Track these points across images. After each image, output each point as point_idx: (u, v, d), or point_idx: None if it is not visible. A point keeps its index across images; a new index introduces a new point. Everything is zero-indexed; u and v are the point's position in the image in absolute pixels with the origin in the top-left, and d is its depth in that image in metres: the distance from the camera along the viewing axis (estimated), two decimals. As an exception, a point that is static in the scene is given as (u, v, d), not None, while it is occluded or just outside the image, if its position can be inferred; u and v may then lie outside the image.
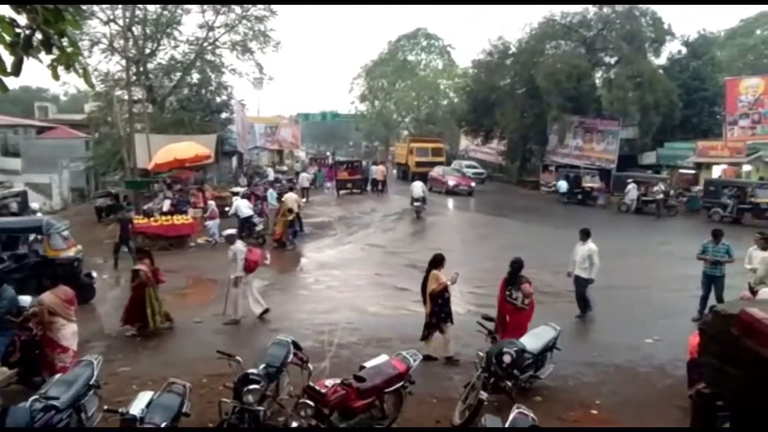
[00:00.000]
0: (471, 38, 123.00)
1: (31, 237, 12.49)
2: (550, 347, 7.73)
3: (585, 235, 10.86)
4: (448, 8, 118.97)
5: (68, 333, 7.59)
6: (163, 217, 18.42)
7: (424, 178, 35.86)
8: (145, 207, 20.21)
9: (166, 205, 19.77)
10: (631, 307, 12.26)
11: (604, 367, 8.67)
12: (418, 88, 63.51)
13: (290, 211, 18.18)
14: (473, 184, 33.98)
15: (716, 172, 32.39)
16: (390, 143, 75.37)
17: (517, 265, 8.60)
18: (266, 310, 10.74)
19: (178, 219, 18.40)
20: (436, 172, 35.36)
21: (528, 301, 8.36)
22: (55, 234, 11.59)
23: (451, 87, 61.74)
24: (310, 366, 6.42)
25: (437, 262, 8.85)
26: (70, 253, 11.77)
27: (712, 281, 10.64)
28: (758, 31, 53.02)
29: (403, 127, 71.47)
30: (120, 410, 5.16)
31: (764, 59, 48.92)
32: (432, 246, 18.48)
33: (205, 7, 31.01)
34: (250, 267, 10.50)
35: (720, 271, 10.60)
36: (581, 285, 10.84)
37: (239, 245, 10.63)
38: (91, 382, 6.05)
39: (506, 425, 5.12)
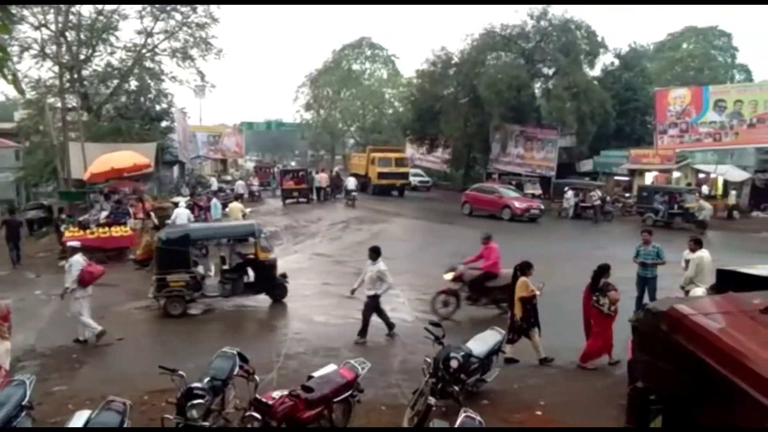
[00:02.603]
0: (414, 48, 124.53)
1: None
2: (495, 351, 7.87)
3: (375, 254, 9.98)
4: (392, 18, 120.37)
5: (1, 351, 7.18)
6: (101, 229, 17.72)
7: (386, 190, 36.13)
8: (81, 219, 19.39)
9: (103, 217, 19.04)
10: (572, 309, 12.60)
11: (547, 369, 8.90)
12: (363, 97, 63.82)
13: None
14: (542, 206, 27.92)
15: (648, 178, 34.10)
16: (336, 152, 75.37)
17: (601, 271, 8.82)
18: (102, 332, 9.79)
19: (116, 231, 17.74)
20: (483, 189, 29.18)
21: (614, 307, 8.54)
22: (262, 238, 12.53)
23: (396, 96, 62.37)
24: (257, 378, 6.29)
25: (524, 268, 9.04)
26: (272, 256, 12.72)
27: (645, 282, 11.14)
28: (684, 45, 56.20)
29: (349, 136, 71.61)
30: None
31: (690, 71, 51.90)
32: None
33: (143, 12, 30.22)
34: (85, 279, 9.55)
35: (651, 272, 11.11)
36: (371, 304, 10.00)
37: (78, 257, 9.75)
38: (24, 403, 5.73)
39: (454, 429, 5.17)
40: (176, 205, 21.76)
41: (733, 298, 2.55)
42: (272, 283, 12.36)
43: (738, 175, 31.11)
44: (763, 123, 29.59)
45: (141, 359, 8.81)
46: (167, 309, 11.47)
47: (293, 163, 57.73)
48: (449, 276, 11.43)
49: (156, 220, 18.61)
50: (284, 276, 12.79)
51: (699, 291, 7.43)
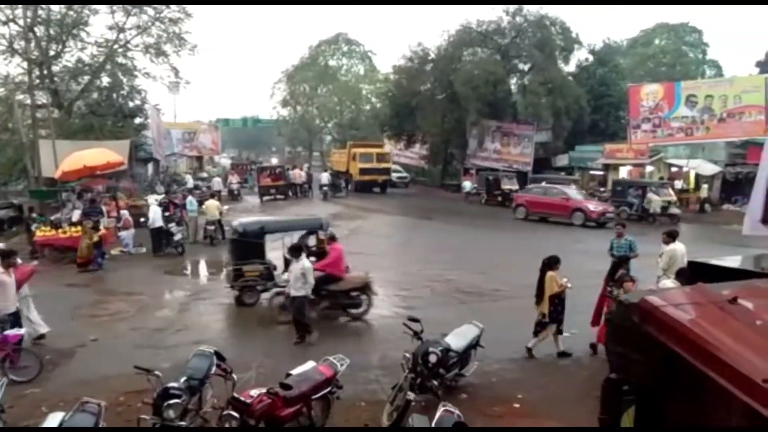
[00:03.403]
0: (391, 44, 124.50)
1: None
2: (473, 345, 7.93)
3: (297, 251, 9.74)
4: (368, 14, 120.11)
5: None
6: (73, 228, 17.37)
7: (368, 186, 35.88)
8: (53, 218, 19.01)
9: (76, 216, 18.66)
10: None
11: (525, 362, 9.00)
12: (340, 93, 63.64)
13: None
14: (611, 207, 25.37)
15: (623, 173, 34.61)
16: (313, 148, 75.04)
17: (619, 262, 8.85)
18: (42, 336, 9.58)
19: (89, 230, 17.40)
20: (545, 190, 26.46)
21: None
22: (330, 230, 12.80)
23: (373, 92, 62.33)
24: (234, 376, 6.25)
25: (552, 263, 9.02)
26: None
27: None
28: (657, 41, 57.12)
29: (326, 133, 71.35)
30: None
31: (662, 67, 52.79)
32: (358, 250, 18.57)
33: (115, 7, 29.63)
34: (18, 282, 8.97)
35: (625, 265, 11.26)
36: (299, 305, 9.65)
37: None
38: (-6, 407, 5.62)
39: (433, 424, 5.20)
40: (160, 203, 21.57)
41: (702, 289, 2.60)
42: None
43: (709, 168, 31.74)
44: (732, 118, 30.21)
45: (116, 360, 8.67)
46: (242, 298, 11.97)
47: (275, 160, 57.14)
48: (286, 276, 10.98)
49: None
50: (347, 268, 12.93)
51: (669, 283, 7.57)
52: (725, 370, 2.00)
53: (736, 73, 38.37)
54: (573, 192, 25.78)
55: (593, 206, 24.31)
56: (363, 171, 36.33)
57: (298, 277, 9.39)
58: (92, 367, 8.65)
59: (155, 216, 17.65)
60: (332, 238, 11.71)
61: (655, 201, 25.22)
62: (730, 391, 1.98)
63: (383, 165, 37.52)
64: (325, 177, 34.63)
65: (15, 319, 8.52)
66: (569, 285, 9.04)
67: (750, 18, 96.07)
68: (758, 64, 44.73)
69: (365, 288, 11.02)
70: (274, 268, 12.55)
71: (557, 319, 9.03)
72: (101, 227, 16.83)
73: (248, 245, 11.98)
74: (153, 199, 19.75)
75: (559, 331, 9.13)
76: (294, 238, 12.95)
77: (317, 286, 10.41)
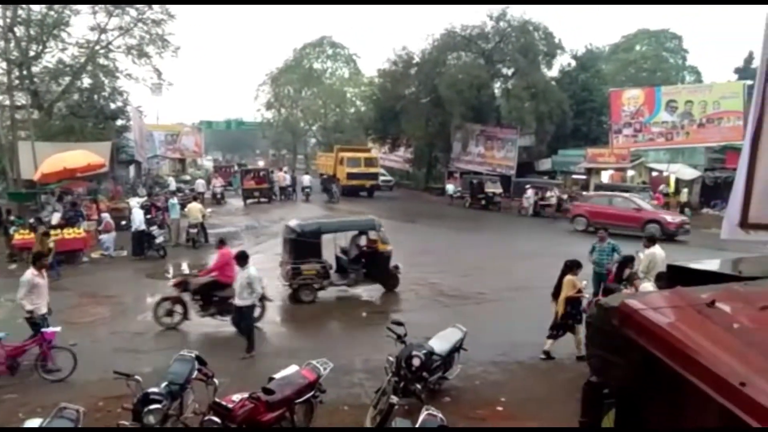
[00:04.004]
0: (376, 48, 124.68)
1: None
2: (457, 348, 7.95)
3: (243, 259, 9.30)
4: (353, 17, 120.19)
5: None
6: (52, 231, 17.12)
7: (356, 191, 35.61)
8: (31, 220, 18.71)
9: (56, 218, 18.40)
10: (532, 306, 12.86)
11: (508, 365, 9.05)
12: (324, 96, 63.58)
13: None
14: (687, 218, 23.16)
15: (605, 177, 34.98)
16: (298, 151, 74.81)
17: (625, 261, 8.89)
18: None
19: (69, 233, 17.17)
20: (609, 199, 23.48)
21: None
22: (382, 231, 13.29)
23: (358, 95, 62.35)
24: (216, 381, 6.19)
25: (572, 267, 9.10)
26: (390, 248, 13.34)
27: (601, 279, 11.41)
28: (638, 47, 57.86)
29: (311, 136, 71.19)
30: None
31: (643, 72, 53.49)
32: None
33: (97, 8, 29.31)
34: None
35: (606, 269, 11.38)
36: (244, 315, 9.38)
37: None
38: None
39: (416, 427, 5.20)
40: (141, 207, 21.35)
41: (681, 292, 2.63)
42: (388, 273, 13.25)
43: (689, 173, 32.19)
44: (711, 123, 30.71)
45: (95, 364, 8.53)
46: (299, 296, 12.40)
47: (261, 163, 56.76)
48: (171, 282, 10.87)
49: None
50: (396, 267, 13.47)
51: (649, 286, 7.66)
52: (703, 373, 2.02)
53: (715, 79, 39.09)
54: (643, 201, 23.34)
55: (671, 217, 21.93)
56: (350, 175, 35.76)
57: (244, 286, 9.11)
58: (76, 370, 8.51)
59: (137, 219, 17.47)
60: (221, 242, 11.56)
61: None
62: (707, 394, 2.00)
63: (371, 170, 36.89)
64: (306, 179, 35.13)
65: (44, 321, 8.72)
66: (586, 295, 9.16)
67: (728, 25, 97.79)
68: (737, 70, 45.56)
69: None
70: (330, 267, 12.94)
71: (579, 320, 9.06)
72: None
73: (306, 245, 12.45)
74: (135, 202, 19.51)
75: (555, 336, 9.15)
76: (347, 237, 13.71)
77: (206, 292, 10.37)
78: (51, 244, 15.01)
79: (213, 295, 10.52)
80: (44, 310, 8.70)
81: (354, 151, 38.80)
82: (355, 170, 35.97)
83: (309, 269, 12.42)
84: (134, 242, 17.49)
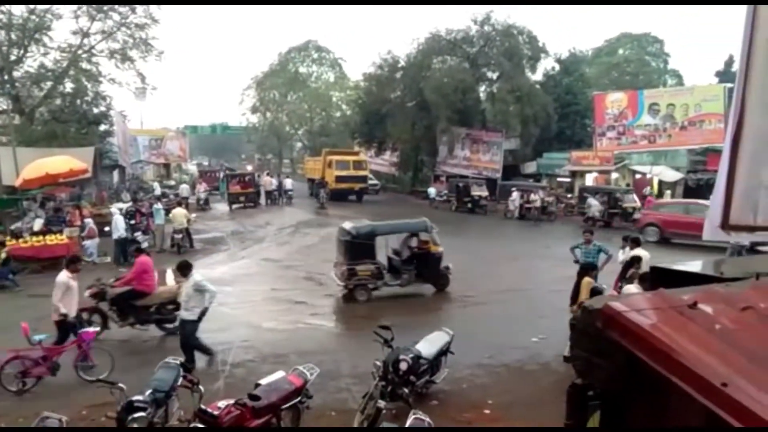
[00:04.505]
0: (361, 52, 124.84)
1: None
2: (444, 352, 7.95)
3: (185, 269, 8.76)
4: (338, 21, 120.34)
5: None
6: (35, 238, 16.90)
7: (344, 194, 35.35)
8: (13, 227, 18.45)
9: (38, 225, 18.16)
10: (518, 308, 12.96)
11: (495, 368, 9.06)
12: (310, 100, 63.52)
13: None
14: None
15: (589, 179, 35.31)
16: (283, 155, 74.64)
17: (631, 261, 8.96)
18: None
19: (51, 239, 16.95)
20: (688, 208, 21.19)
21: None
22: (434, 232, 13.66)
23: (344, 99, 62.38)
24: (201, 388, 6.12)
25: (587, 270, 9.19)
26: (441, 249, 13.72)
27: (585, 280, 11.46)
28: (620, 51, 58.56)
29: (296, 140, 71.06)
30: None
31: (626, 76, 54.13)
32: (330, 258, 18.46)
33: (79, 12, 29.08)
34: None
35: (636, 265, 11.40)
36: (187, 330, 8.73)
37: None
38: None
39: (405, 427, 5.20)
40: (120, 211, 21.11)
41: (663, 294, 2.66)
42: (439, 274, 13.60)
43: (672, 175, 32.58)
44: (693, 126, 31.14)
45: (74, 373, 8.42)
46: (354, 295, 12.90)
47: (250, 167, 56.42)
48: (87, 293, 10.43)
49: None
50: (447, 268, 13.79)
51: (633, 288, 7.73)
52: (685, 374, 2.04)
53: (696, 83, 39.59)
54: None
55: None
56: (339, 179, 35.39)
57: (191, 295, 8.59)
58: (53, 380, 8.39)
59: (120, 226, 17.23)
60: (138, 251, 11.37)
61: (594, 206, 26.19)
62: (690, 395, 2.02)
63: (360, 172, 36.65)
64: (288, 183, 35.89)
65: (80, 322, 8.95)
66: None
67: (709, 29, 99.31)
68: (717, 73, 46.21)
69: (176, 302, 10.08)
70: (385, 268, 13.41)
71: None
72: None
73: (360, 246, 12.88)
74: (116, 209, 19.25)
75: None
76: (400, 240, 14.10)
77: (123, 301, 10.11)
78: (3, 254, 14.85)
79: (131, 305, 10.17)
80: (75, 312, 8.87)
81: (342, 154, 38.60)
82: (343, 173, 35.70)
83: (364, 270, 12.89)
84: (117, 249, 17.28)
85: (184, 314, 8.76)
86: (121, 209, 21.23)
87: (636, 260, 9.43)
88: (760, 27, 4.26)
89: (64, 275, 8.67)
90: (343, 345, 10.22)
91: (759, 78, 4.35)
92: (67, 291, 8.61)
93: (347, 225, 13.60)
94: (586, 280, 9.08)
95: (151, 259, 10.62)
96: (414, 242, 13.91)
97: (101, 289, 10.37)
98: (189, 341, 8.72)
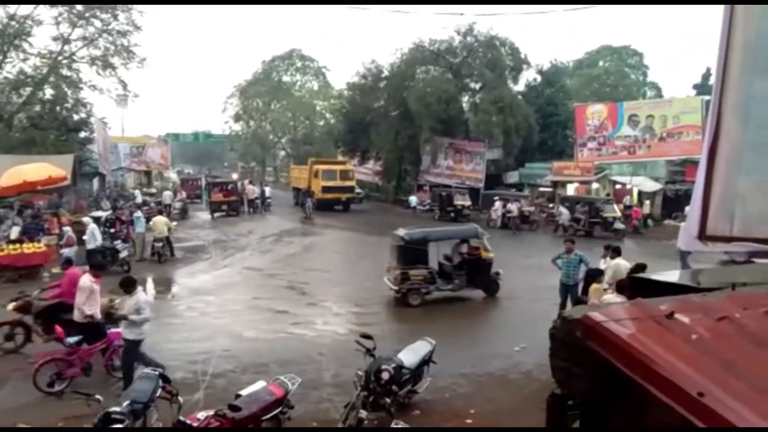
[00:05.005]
0: (345, 61, 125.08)
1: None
2: (426, 361, 7.95)
3: (129, 285, 8.34)
4: (322, 30, 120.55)
5: None
6: (11, 246, 16.59)
7: (330, 205, 34.57)
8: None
9: (15, 233, 17.83)
10: (501, 317, 13.03)
11: (477, 377, 9.08)
12: (293, 109, 63.46)
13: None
14: None
15: (570, 189, 35.67)
16: (267, 164, 74.35)
17: (637, 268, 9.03)
18: None
19: (28, 247, 16.65)
20: None
21: None
22: (484, 238, 14.11)
23: (327, 108, 62.41)
24: (180, 399, 6.05)
25: (594, 276, 9.32)
26: (492, 255, 14.12)
27: (567, 290, 11.57)
28: (601, 63, 59.44)
29: (280, 148, 70.87)
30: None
31: (606, 87, 54.94)
32: (313, 267, 18.43)
33: (60, 18, 28.76)
34: None
35: (573, 280, 11.56)
36: (129, 351, 8.29)
37: None
38: None
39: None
40: (97, 219, 20.77)
41: (642, 304, 2.68)
42: (489, 279, 13.99)
43: (651, 185, 33.05)
44: (672, 137, 31.65)
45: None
46: (408, 299, 13.17)
47: (235, 175, 55.90)
48: (11, 306, 10.16)
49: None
50: (497, 273, 14.16)
51: (613, 297, 7.80)
52: (663, 384, 2.06)
53: (674, 95, 40.24)
54: None
55: None
56: (326, 189, 34.57)
57: (132, 313, 8.15)
58: (28, 391, 8.22)
59: (93, 236, 16.86)
60: (68, 263, 11.09)
61: (564, 214, 26.82)
62: (668, 404, 2.03)
63: (347, 183, 36.00)
64: (267, 191, 36.20)
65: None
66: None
67: (687, 42, 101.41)
68: (695, 86, 47.16)
69: (110, 315, 9.78)
70: (437, 273, 13.65)
71: None
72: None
73: (413, 252, 13.22)
74: (88, 219, 18.77)
75: None
76: (451, 245, 14.42)
77: (50, 315, 9.78)
78: None
79: (58, 318, 9.66)
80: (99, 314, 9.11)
81: (329, 164, 38.19)
82: (330, 183, 35.00)
83: (417, 275, 13.24)
84: (88, 259, 16.80)
85: (125, 332, 8.35)
86: (99, 217, 20.97)
87: (597, 273, 9.54)
88: (735, 41, 4.36)
89: (87, 279, 8.93)
90: (324, 354, 10.15)
91: (734, 90, 4.45)
92: (90, 294, 8.85)
93: (401, 231, 14.01)
94: (594, 286, 9.18)
95: (81, 272, 10.21)
96: (465, 248, 14.23)
97: (27, 302, 10.07)
98: (126, 360, 8.27)
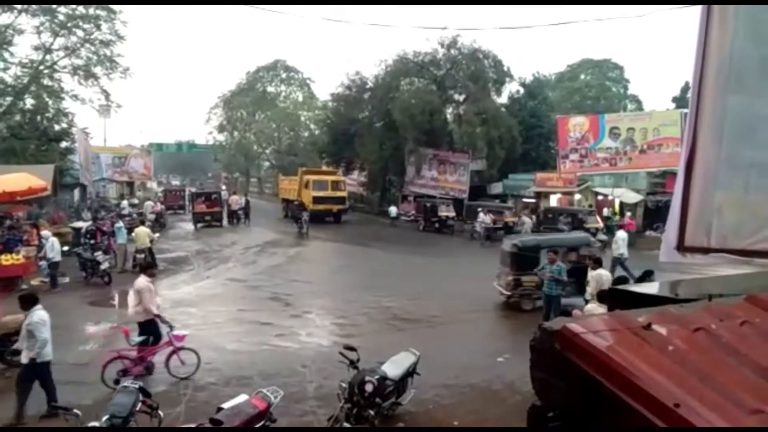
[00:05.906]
0: (330, 72, 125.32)
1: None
2: (410, 373, 7.93)
3: (28, 303, 7.61)
4: (307, 41, 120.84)
5: None
6: (-10, 257, 16.30)
7: (321, 216, 33.45)
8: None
9: (-7, 244, 17.52)
10: (485, 328, 13.05)
11: (461, 389, 9.08)
12: (278, 120, 63.41)
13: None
14: None
15: (553, 200, 36.01)
16: (251, 174, 74.05)
17: (644, 275, 9.17)
18: None
19: (6, 259, 16.37)
20: None
21: None
22: (596, 247, 14.42)
23: (312, 119, 62.51)
24: (161, 413, 5.98)
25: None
26: None
27: (550, 299, 11.67)
28: (582, 76, 60.32)
29: (264, 159, 70.69)
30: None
31: (588, 100, 55.75)
32: (297, 278, 18.34)
33: (42, 27, 28.55)
34: None
35: (555, 290, 11.67)
36: (22, 373, 7.57)
37: None
38: None
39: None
40: (79, 230, 20.53)
41: (620, 315, 2.72)
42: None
43: (632, 197, 33.46)
44: (652, 149, 32.14)
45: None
46: (521, 304, 13.71)
47: (224, 187, 55.45)
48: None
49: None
50: None
51: (595, 308, 7.87)
52: (640, 395, 2.09)
53: (654, 108, 40.95)
54: None
55: None
56: (317, 200, 33.76)
57: (24, 336, 7.45)
58: (4, 406, 8.05)
59: (55, 249, 16.54)
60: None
61: (527, 223, 27.18)
62: (645, 416, 2.06)
63: (338, 193, 35.31)
64: (243, 201, 36.04)
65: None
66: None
67: (666, 56, 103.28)
68: (674, 99, 47.91)
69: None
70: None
71: None
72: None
73: (526, 258, 13.55)
74: (47, 233, 18.31)
75: None
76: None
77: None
78: None
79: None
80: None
81: (320, 174, 37.75)
82: (321, 194, 34.22)
83: (529, 281, 13.55)
84: (49, 272, 16.54)
85: (24, 357, 7.53)
86: (80, 228, 20.70)
87: (649, 274, 9.73)
88: (710, 60, 4.46)
89: (144, 280, 9.43)
90: (308, 366, 10.09)
91: (709, 107, 4.55)
92: (149, 293, 9.33)
93: (514, 239, 14.61)
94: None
95: None
96: (574, 256, 14.40)
97: None
98: (20, 382, 7.56)
